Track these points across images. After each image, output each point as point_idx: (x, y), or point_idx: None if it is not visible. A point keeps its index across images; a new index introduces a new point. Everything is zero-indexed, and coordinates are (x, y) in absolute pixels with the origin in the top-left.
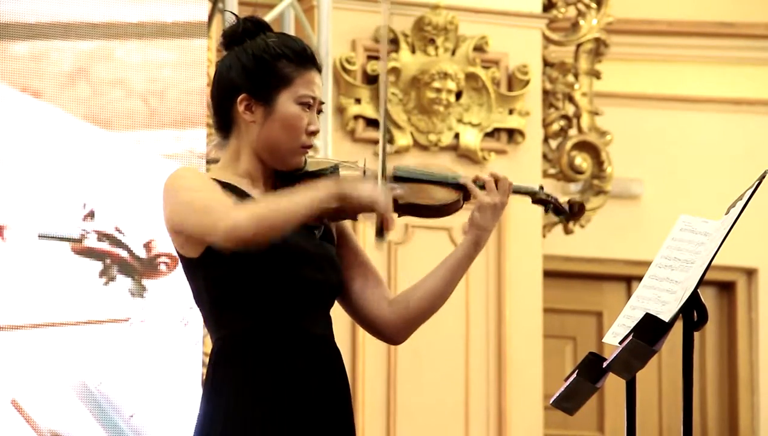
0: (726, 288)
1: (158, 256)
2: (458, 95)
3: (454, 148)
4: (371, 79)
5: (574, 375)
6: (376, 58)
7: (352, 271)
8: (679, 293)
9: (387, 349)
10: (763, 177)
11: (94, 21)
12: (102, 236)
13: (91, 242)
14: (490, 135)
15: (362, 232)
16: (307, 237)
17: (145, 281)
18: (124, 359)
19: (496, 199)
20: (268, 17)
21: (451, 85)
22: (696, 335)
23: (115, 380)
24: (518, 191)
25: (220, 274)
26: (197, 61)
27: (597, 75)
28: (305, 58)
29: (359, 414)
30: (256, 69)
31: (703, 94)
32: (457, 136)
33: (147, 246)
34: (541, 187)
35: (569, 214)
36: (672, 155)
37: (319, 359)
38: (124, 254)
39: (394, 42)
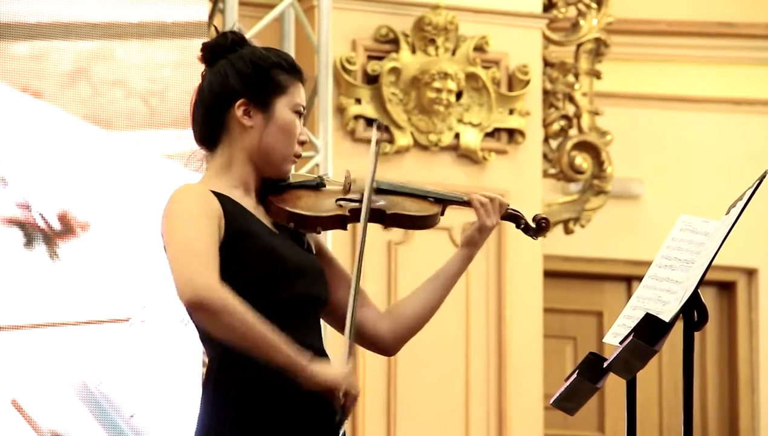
0: (726, 288)
1: (73, 227)
2: (458, 95)
3: (455, 148)
4: (371, 79)
5: (575, 375)
6: (377, 58)
7: (335, 286)
8: (680, 293)
9: None
10: (763, 177)
11: (94, 21)
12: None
13: (10, 211)
14: (490, 135)
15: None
16: (299, 250)
17: (58, 248)
18: (124, 359)
19: (494, 220)
20: (268, 17)
21: (452, 85)
22: (696, 335)
23: (115, 380)
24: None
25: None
26: (197, 61)
27: (597, 75)
28: (295, 69)
29: (359, 414)
30: (254, 75)
31: (703, 94)
32: (457, 136)
33: (62, 217)
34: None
35: (536, 230)
36: (672, 155)
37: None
38: (41, 223)
39: (395, 42)
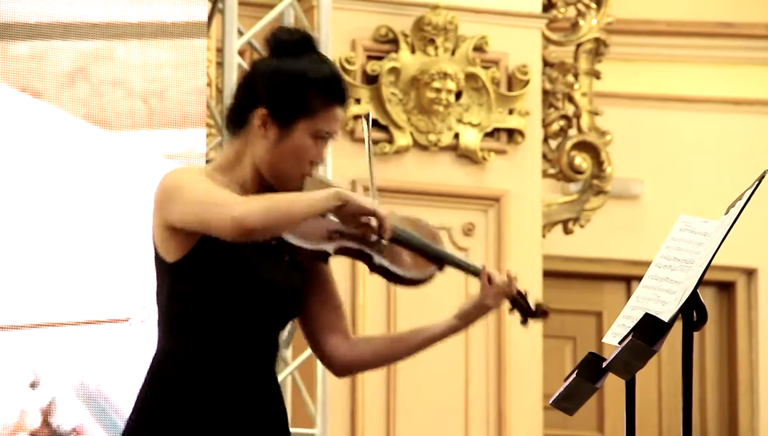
0: (726, 288)
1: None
2: (458, 95)
3: (454, 148)
4: (371, 79)
5: (574, 375)
6: (376, 58)
7: (318, 300)
8: (679, 293)
9: None
10: (762, 177)
11: (94, 21)
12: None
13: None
14: (490, 135)
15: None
16: (276, 265)
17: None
18: (124, 359)
19: (498, 303)
20: (268, 17)
21: (451, 85)
22: (696, 335)
23: (115, 380)
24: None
25: (184, 290)
26: (197, 61)
27: (597, 75)
28: (335, 93)
29: (359, 414)
30: (284, 91)
31: (703, 94)
32: (456, 136)
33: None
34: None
35: (532, 314)
36: (672, 155)
37: (259, 396)
38: None
39: (394, 42)
